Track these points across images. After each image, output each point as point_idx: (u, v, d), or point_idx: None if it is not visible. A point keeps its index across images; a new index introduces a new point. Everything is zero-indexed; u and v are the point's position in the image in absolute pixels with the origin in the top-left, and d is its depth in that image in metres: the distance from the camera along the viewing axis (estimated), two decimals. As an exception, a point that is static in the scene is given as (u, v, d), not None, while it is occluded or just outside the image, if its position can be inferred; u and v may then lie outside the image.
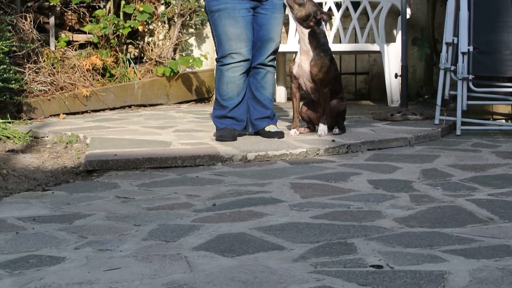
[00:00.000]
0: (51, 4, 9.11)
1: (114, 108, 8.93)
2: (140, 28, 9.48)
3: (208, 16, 6.46)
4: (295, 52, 6.87)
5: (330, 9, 9.33)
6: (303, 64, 6.47)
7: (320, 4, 6.93)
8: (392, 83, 8.99)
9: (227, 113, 6.43)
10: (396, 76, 8.41)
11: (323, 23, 6.58)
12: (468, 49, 7.19)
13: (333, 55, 6.67)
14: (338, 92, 6.78)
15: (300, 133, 6.67)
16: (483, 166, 5.59)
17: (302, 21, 6.38)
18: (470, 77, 7.14)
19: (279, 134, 6.43)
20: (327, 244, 3.73)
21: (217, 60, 6.47)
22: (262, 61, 6.49)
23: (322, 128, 6.52)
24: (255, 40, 6.40)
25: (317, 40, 6.46)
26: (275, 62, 6.82)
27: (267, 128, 6.48)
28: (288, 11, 6.49)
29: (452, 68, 7.26)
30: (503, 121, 7.62)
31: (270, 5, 6.38)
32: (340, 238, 3.83)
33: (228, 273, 3.33)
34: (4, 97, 7.43)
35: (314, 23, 6.38)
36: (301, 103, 6.82)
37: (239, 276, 3.27)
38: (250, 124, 6.64)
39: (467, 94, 7.17)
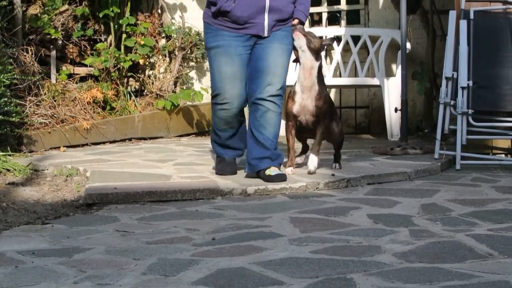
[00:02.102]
0: (53, 37, 9.14)
1: (114, 141, 8.94)
2: (141, 61, 9.52)
3: (206, 51, 6.25)
4: (290, 89, 6.36)
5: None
6: (306, 101, 6.11)
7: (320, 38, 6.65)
8: (392, 117, 9.00)
9: (223, 141, 6.29)
10: (396, 110, 8.42)
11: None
12: (468, 84, 7.20)
13: (334, 89, 6.78)
14: (335, 113, 6.71)
15: (296, 166, 6.48)
16: (482, 201, 5.59)
17: (316, 53, 6.06)
18: (470, 111, 7.15)
19: (280, 177, 5.96)
20: (327, 280, 3.73)
21: (211, 96, 6.24)
22: (259, 95, 5.96)
23: (313, 160, 6.32)
24: (252, 72, 5.99)
25: (321, 72, 6.20)
26: (280, 99, 6.09)
27: (267, 172, 5.99)
28: (298, 43, 6.01)
29: (452, 102, 7.28)
30: (503, 155, 7.63)
31: (270, 37, 5.98)
32: (339, 273, 3.82)
33: (227, 308, 3.32)
34: (5, 130, 7.44)
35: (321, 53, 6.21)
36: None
37: (238, 312, 3.27)
38: (246, 163, 6.22)
39: (466, 129, 7.17)
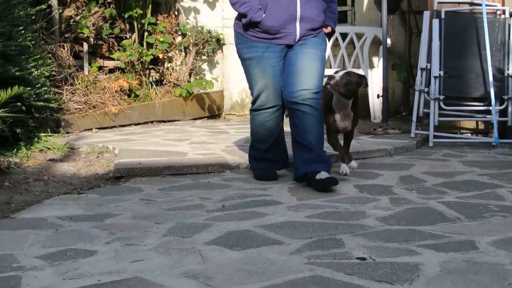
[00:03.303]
0: (85, 35, 9.13)
1: (138, 124, 8.93)
2: (161, 56, 9.50)
3: (240, 60, 5.32)
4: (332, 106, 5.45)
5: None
6: (346, 121, 5.44)
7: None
8: (375, 102, 8.97)
9: (261, 155, 5.41)
10: (378, 96, 8.43)
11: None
12: (439, 74, 7.21)
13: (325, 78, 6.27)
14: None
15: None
16: (451, 173, 5.59)
17: (348, 96, 5.29)
18: (441, 97, 7.17)
19: (332, 181, 4.93)
20: (319, 240, 3.74)
21: (251, 103, 5.39)
22: (294, 100, 5.04)
23: (344, 167, 5.53)
24: (286, 78, 5.12)
25: (356, 102, 5.43)
26: (316, 102, 5.08)
27: (318, 176, 4.95)
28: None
29: (426, 89, 7.28)
30: (469, 134, 7.63)
31: (301, 43, 5.12)
32: (330, 235, 3.83)
33: (235, 264, 3.33)
34: (45, 114, 7.44)
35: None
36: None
37: (244, 267, 3.28)
38: (294, 169, 5.25)
39: (438, 112, 7.19)
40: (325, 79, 5.13)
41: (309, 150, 5.07)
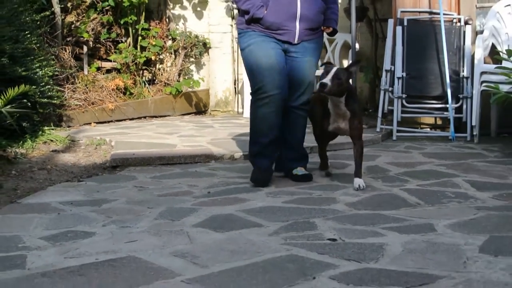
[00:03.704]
0: (85, 39, 9.10)
1: (132, 119, 8.90)
2: (153, 58, 9.47)
3: (241, 54, 4.92)
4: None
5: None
6: (341, 124, 4.76)
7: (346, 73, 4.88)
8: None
9: (261, 149, 4.85)
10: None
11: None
12: (402, 75, 7.24)
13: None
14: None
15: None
16: (413, 164, 5.61)
17: (340, 94, 4.62)
18: (404, 96, 7.19)
19: (306, 178, 4.92)
20: (295, 223, 3.74)
21: (252, 94, 4.88)
22: (292, 104, 4.88)
23: (359, 181, 4.63)
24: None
25: (351, 98, 4.71)
26: (307, 105, 5.00)
27: (294, 171, 4.94)
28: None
29: (390, 89, 7.30)
30: (428, 129, 7.65)
31: (301, 49, 4.81)
32: (304, 218, 3.83)
33: (219, 244, 3.33)
34: (49, 110, 7.41)
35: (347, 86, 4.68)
36: None
37: (227, 247, 3.28)
38: (275, 162, 5.05)
39: (401, 109, 7.21)
40: (317, 86, 4.70)
41: (294, 150, 5.02)
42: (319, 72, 6.56)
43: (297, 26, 4.72)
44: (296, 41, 4.77)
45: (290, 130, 4.95)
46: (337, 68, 4.60)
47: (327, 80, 4.50)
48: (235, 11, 9.69)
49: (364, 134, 7.05)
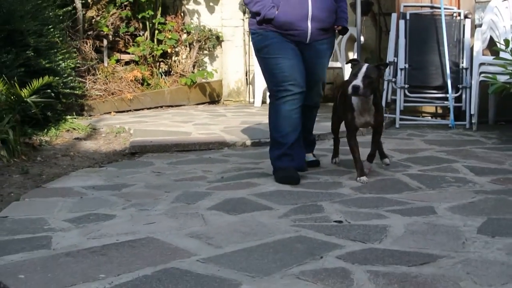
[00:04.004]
0: (105, 33, 9.10)
1: (150, 108, 8.90)
2: (169, 50, 9.47)
3: (257, 55, 4.57)
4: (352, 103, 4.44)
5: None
6: (367, 117, 4.42)
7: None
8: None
9: (285, 151, 4.41)
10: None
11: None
12: (405, 66, 7.21)
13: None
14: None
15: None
16: (414, 150, 5.60)
17: (371, 93, 4.30)
18: (406, 86, 7.17)
19: (314, 164, 4.85)
20: (303, 206, 3.75)
21: (271, 95, 4.50)
22: (308, 103, 4.55)
23: (369, 166, 4.60)
24: None
25: (376, 95, 4.39)
26: (319, 103, 4.87)
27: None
28: None
29: (393, 79, 7.28)
30: (429, 117, 7.64)
31: (314, 51, 4.47)
32: (312, 201, 3.85)
33: (232, 226, 3.35)
34: (71, 100, 7.42)
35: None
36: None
37: (240, 228, 3.29)
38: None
39: (403, 98, 7.19)
40: (350, 89, 4.20)
41: (303, 138, 4.61)
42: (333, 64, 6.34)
43: (309, 26, 4.36)
44: (308, 41, 4.42)
45: (304, 121, 4.59)
46: (367, 66, 4.26)
47: (358, 82, 4.16)
48: (247, 6, 9.70)
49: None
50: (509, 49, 5.90)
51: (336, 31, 4.64)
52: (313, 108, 4.83)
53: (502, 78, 6.01)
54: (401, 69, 7.18)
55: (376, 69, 4.32)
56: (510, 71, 5.83)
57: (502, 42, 6.10)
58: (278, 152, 4.44)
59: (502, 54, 6.14)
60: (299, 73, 4.40)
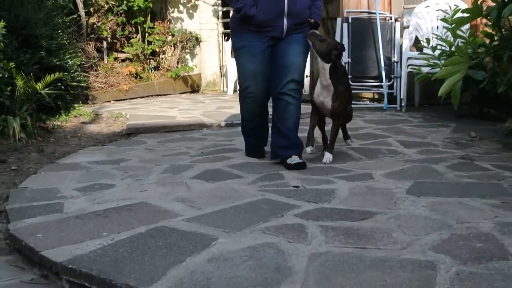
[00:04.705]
0: (104, 36, 9.01)
1: (142, 97, 8.84)
2: (157, 50, 9.39)
3: (233, 50, 4.28)
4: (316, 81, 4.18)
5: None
6: (324, 98, 4.03)
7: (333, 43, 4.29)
8: (306, 81, 8.99)
9: (249, 130, 4.31)
10: (306, 76, 8.42)
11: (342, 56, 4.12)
12: (348, 60, 7.23)
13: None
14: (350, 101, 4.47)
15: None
16: (356, 128, 5.62)
17: (324, 55, 3.94)
18: (349, 76, 7.19)
19: (299, 165, 3.93)
20: (267, 175, 3.76)
21: (240, 90, 4.26)
22: (281, 90, 4.00)
23: (328, 157, 4.10)
24: (275, 70, 4.06)
25: (337, 74, 3.99)
26: (298, 93, 4.09)
27: (288, 160, 3.96)
28: (311, 47, 4.03)
29: (339, 71, 7.30)
30: (368, 102, 7.68)
31: (288, 39, 4.02)
32: (274, 171, 3.85)
33: (210, 192, 3.35)
34: (78, 91, 7.38)
35: (335, 56, 3.95)
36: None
37: (216, 194, 3.29)
38: (271, 152, 4.18)
39: (347, 87, 7.22)
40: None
41: (286, 138, 4.05)
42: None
43: (285, 22, 3.97)
44: (284, 36, 4.02)
45: (280, 118, 4.06)
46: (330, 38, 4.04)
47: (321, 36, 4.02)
48: (220, 13, 9.61)
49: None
50: (430, 46, 5.96)
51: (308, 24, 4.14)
52: (288, 97, 4.03)
53: (425, 69, 6.08)
54: (345, 63, 7.19)
55: (336, 42, 4.09)
56: (432, 64, 5.88)
57: (425, 40, 6.15)
58: (245, 130, 4.34)
59: (425, 50, 6.21)
60: (262, 79, 4.06)
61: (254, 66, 4.03)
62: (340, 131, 4.34)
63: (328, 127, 4.34)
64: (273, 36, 4.01)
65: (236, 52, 4.17)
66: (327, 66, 3.97)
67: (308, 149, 4.08)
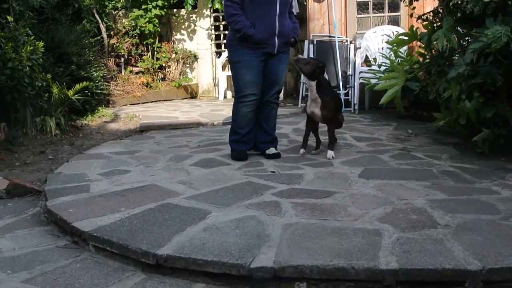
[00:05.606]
0: (122, 53, 8.93)
1: (152, 102, 8.76)
2: (164, 64, 9.32)
3: (230, 64, 4.03)
4: (307, 96, 4.22)
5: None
6: (314, 109, 3.97)
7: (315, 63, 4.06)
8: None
9: (240, 138, 4.01)
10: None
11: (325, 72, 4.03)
12: (313, 74, 7.22)
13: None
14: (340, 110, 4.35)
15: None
16: (320, 126, 5.61)
17: (310, 75, 3.88)
18: (314, 86, 7.19)
19: (276, 155, 3.97)
20: (251, 163, 3.76)
21: (235, 98, 4.02)
22: (268, 98, 4.02)
23: (331, 153, 3.92)
24: (265, 82, 4.00)
25: (322, 88, 3.90)
26: (278, 100, 4.18)
27: (267, 151, 4.01)
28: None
29: (305, 81, 7.29)
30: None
31: (277, 57, 3.95)
32: (256, 160, 3.86)
33: (206, 176, 3.34)
34: (101, 97, 7.30)
35: (318, 73, 3.89)
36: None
37: (211, 177, 3.29)
38: (256, 145, 4.13)
39: (312, 94, 7.21)
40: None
41: (267, 134, 4.09)
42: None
43: (276, 41, 3.90)
44: (275, 52, 3.94)
45: (266, 120, 4.07)
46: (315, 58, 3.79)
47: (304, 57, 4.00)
48: (213, 36, 9.57)
49: (291, 109, 7.08)
50: (376, 63, 5.98)
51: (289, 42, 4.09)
52: (273, 104, 4.09)
53: (373, 81, 6.11)
54: (311, 76, 7.19)
55: (317, 61, 3.98)
56: (378, 77, 5.91)
57: (373, 59, 6.17)
58: (235, 137, 4.03)
59: (373, 66, 6.24)
60: (257, 85, 3.93)
61: (252, 77, 3.90)
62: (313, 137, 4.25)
63: (323, 129, 4.24)
64: (266, 52, 3.91)
65: (234, 64, 3.99)
66: (313, 83, 3.90)
67: (301, 151, 4.07)
